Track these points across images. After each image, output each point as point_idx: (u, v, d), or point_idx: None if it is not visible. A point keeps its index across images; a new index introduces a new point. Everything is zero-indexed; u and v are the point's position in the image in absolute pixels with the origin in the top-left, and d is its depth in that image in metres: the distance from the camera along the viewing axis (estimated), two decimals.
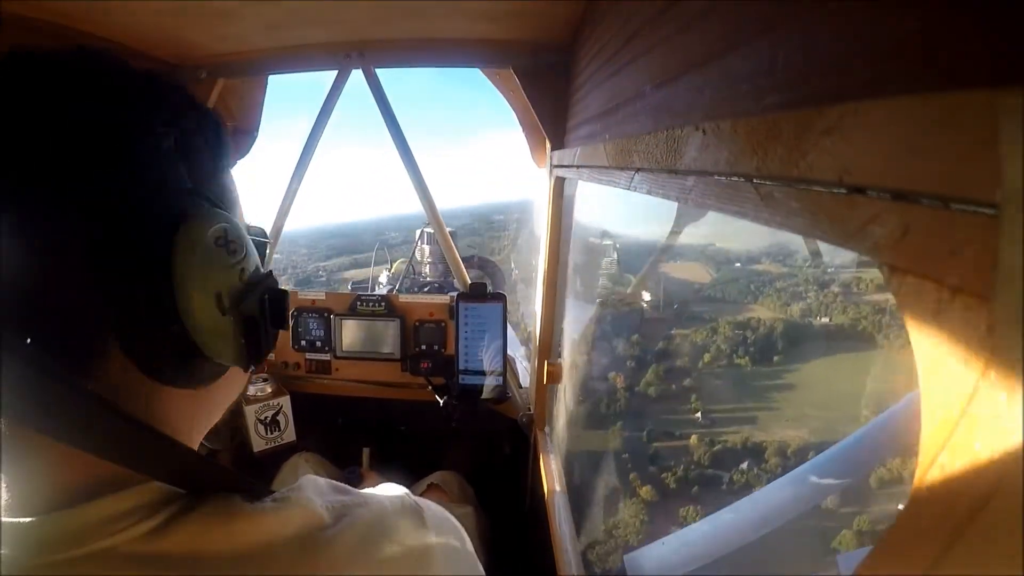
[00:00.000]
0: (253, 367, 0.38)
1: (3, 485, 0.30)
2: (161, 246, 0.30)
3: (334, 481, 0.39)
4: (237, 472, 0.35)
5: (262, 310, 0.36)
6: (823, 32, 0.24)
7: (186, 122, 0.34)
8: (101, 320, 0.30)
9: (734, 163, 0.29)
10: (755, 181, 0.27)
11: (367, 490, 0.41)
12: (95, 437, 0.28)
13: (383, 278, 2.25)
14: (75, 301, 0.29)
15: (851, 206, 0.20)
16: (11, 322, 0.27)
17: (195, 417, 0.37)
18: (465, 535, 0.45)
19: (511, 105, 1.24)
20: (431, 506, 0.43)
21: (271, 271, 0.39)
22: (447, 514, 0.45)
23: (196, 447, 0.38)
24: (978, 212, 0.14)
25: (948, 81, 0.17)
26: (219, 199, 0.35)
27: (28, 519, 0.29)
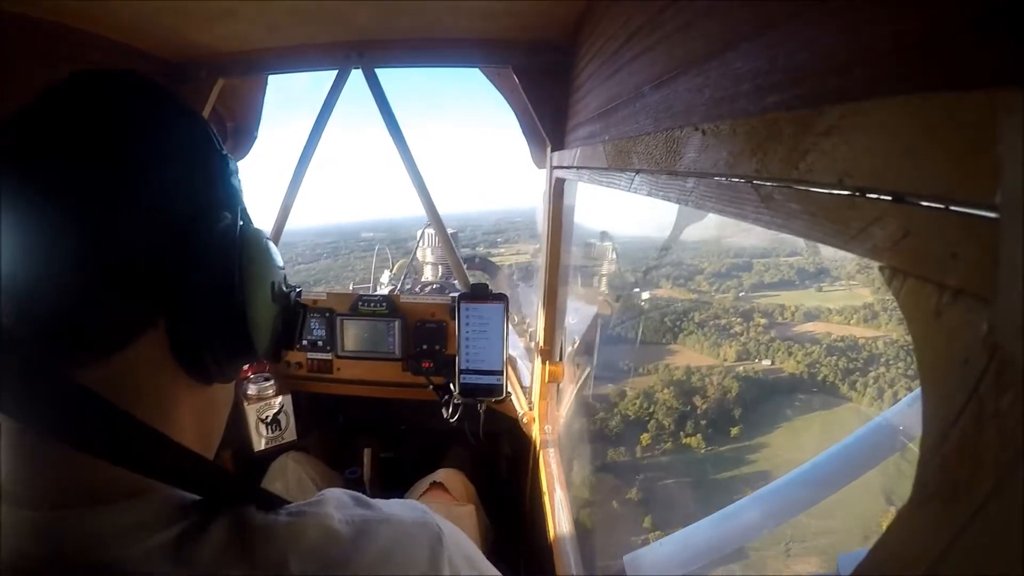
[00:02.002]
0: (272, 359, 0.43)
1: (12, 475, 0.30)
2: (233, 237, 0.35)
3: (358, 494, 0.40)
4: (251, 482, 0.35)
5: (297, 304, 0.44)
6: (823, 32, 0.24)
7: (211, 140, 0.39)
8: (155, 297, 0.32)
9: (734, 164, 0.29)
10: (755, 182, 0.27)
11: (387, 505, 0.41)
12: (110, 444, 0.29)
13: (384, 278, 2.25)
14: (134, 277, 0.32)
15: (851, 208, 0.20)
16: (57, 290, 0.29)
17: (200, 418, 0.38)
18: (477, 557, 0.45)
19: (511, 105, 1.24)
20: (451, 533, 0.42)
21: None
22: (465, 540, 0.44)
23: (212, 454, 0.40)
24: (978, 213, 0.14)
25: (948, 81, 0.17)
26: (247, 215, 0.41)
27: (41, 513, 0.29)
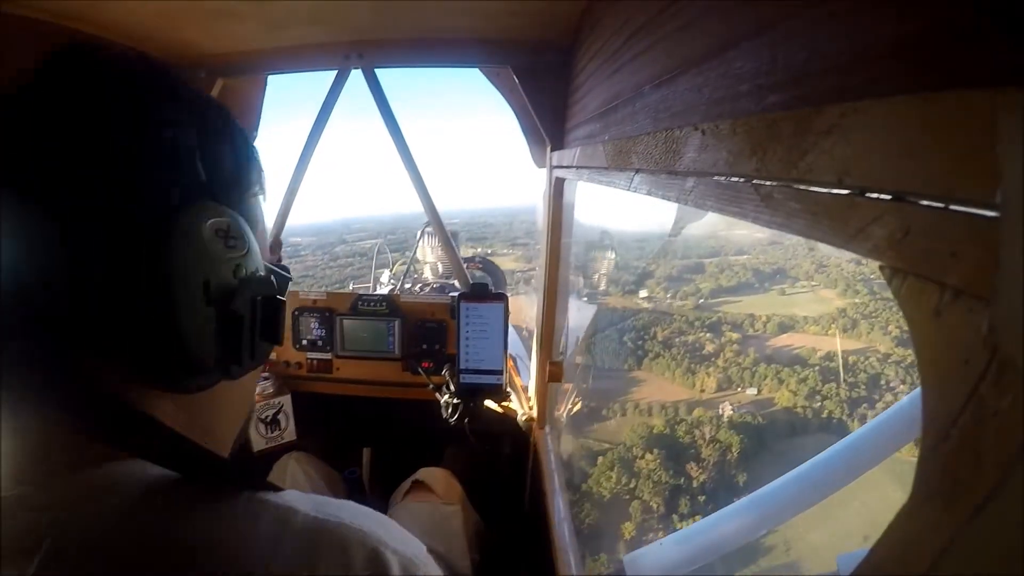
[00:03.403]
0: (236, 375, 0.36)
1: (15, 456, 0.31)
2: (156, 230, 0.31)
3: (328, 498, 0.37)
4: (227, 460, 0.35)
5: (252, 313, 0.35)
6: (823, 32, 0.24)
7: (210, 123, 0.35)
8: (95, 312, 0.31)
9: (734, 163, 0.29)
10: (755, 182, 0.27)
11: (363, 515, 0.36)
12: (86, 418, 0.30)
13: (384, 278, 2.25)
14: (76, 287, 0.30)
15: (851, 207, 0.20)
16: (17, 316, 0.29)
17: (194, 427, 0.36)
18: None
19: (510, 105, 1.24)
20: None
21: (271, 278, 0.38)
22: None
23: (226, 451, 0.39)
24: (978, 213, 0.14)
25: (948, 81, 0.17)
26: (236, 205, 0.36)
27: (31, 487, 0.29)
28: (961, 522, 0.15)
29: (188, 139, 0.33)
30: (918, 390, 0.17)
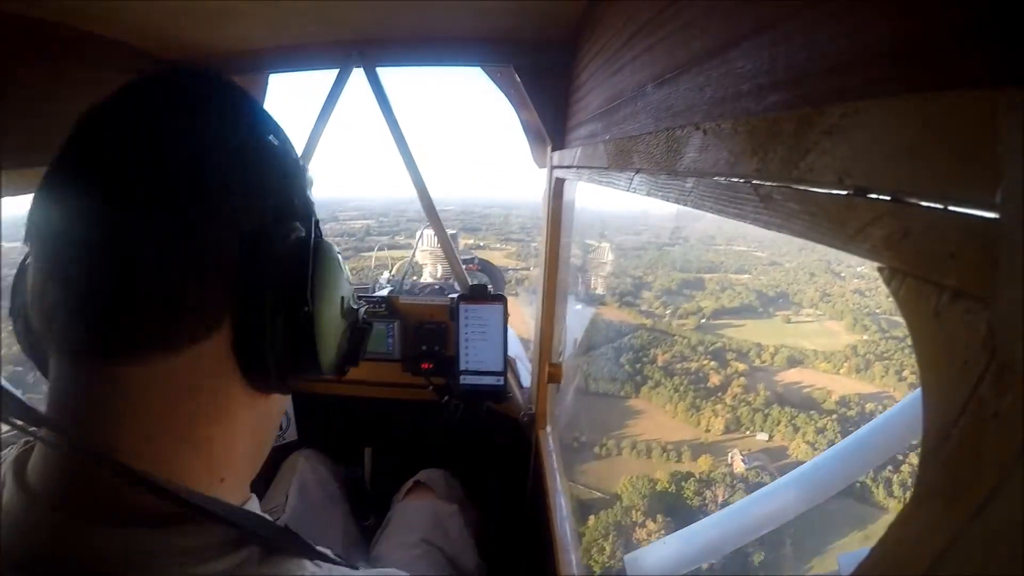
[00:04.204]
0: (343, 372, 0.41)
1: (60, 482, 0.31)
2: (306, 248, 0.35)
3: None
4: (299, 537, 0.35)
5: (366, 322, 0.43)
6: (823, 32, 0.24)
7: (291, 147, 0.39)
8: (223, 302, 0.33)
9: (734, 164, 0.29)
10: (754, 182, 0.27)
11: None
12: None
13: (383, 279, 2.26)
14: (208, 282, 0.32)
15: (851, 208, 0.20)
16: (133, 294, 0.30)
17: (254, 427, 0.38)
18: None
19: (512, 104, 1.24)
20: None
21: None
22: None
23: (260, 464, 0.40)
24: (978, 214, 0.14)
25: (948, 81, 0.17)
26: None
27: (102, 528, 0.30)
28: (961, 522, 0.15)
29: (289, 163, 0.37)
30: (918, 390, 0.17)
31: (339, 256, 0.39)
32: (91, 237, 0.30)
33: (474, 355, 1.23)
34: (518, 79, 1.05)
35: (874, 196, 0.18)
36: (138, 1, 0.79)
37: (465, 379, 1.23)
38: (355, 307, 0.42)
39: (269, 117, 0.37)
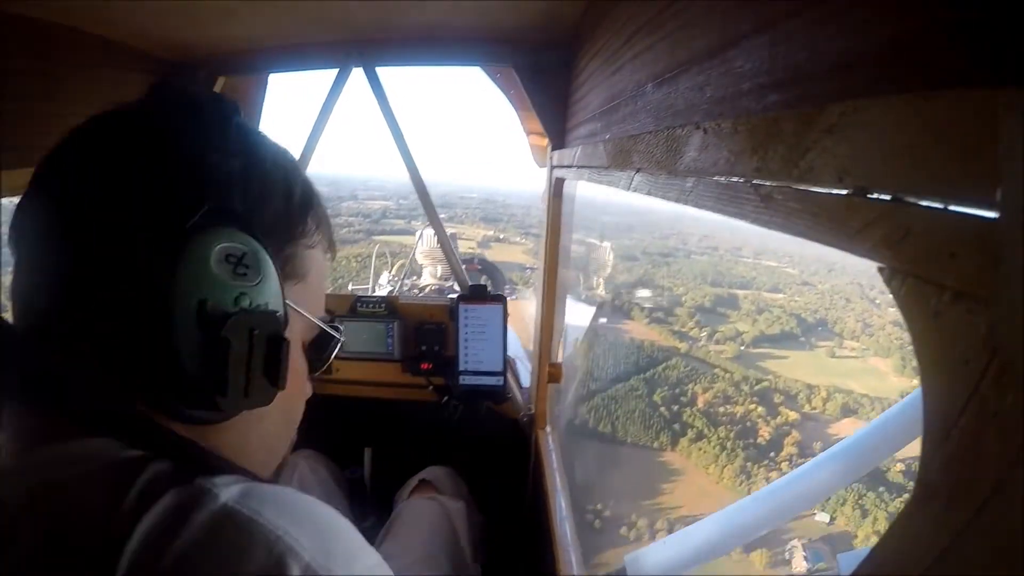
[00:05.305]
0: (225, 408, 0.34)
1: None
2: (169, 247, 0.31)
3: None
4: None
5: (249, 346, 0.33)
6: (823, 32, 0.24)
7: (262, 161, 0.38)
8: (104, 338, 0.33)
9: (734, 163, 0.29)
10: (755, 182, 0.27)
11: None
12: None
13: (383, 279, 2.25)
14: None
15: (851, 207, 0.20)
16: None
17: (225, 450, 0.36)
18: None
19: (512, 104, 1.24)
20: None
21: (277, 316, 0.35)
22: None
23: (277, 461, 0.41)
24: (978, 214, 0.14)
25: (948, 81, 0.17)
26: (281, 244, 0.38)
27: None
28: (962, 522, 0.15)
29: (228, 166, 0.35)
30: (918, 390, 0.17)
31: (219, 248, 0.32)
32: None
33: (474, 355, 1.23)
34: (518, 79, 1.05)
35: (874, 196, 0.18)
36: (138, 1, 0.79)
37: (465, 379, 1.23)
38: (225, 316, 0.32)
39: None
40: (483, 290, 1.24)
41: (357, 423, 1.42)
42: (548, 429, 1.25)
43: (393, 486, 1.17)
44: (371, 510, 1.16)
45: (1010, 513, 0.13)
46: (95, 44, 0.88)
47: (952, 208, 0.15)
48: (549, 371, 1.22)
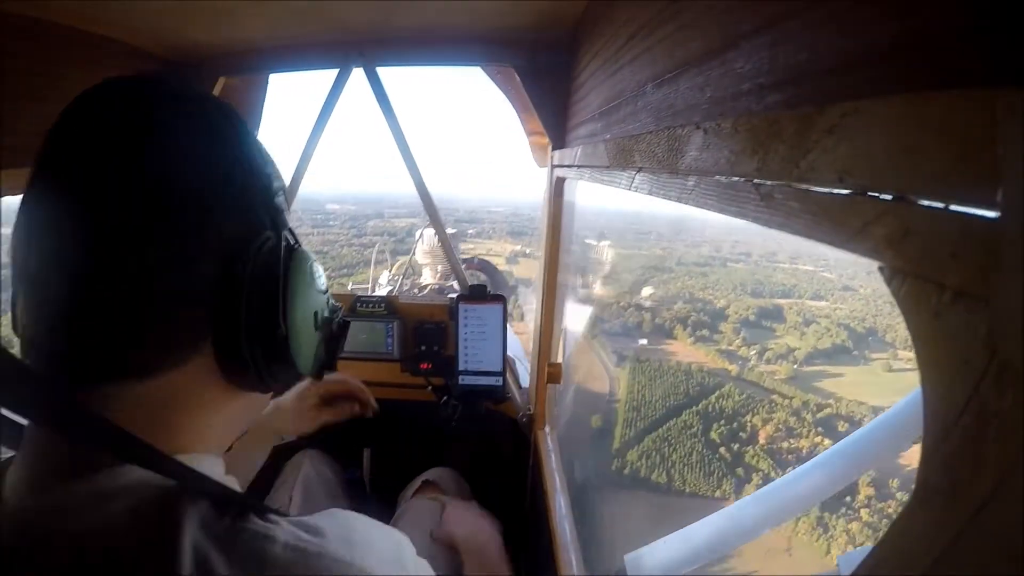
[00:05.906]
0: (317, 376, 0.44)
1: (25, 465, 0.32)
2: (277, 267, 0.36)
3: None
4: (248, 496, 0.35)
5: (340, 331, 0.45)
6: (823, 32, 0.24)
7: (273, 165, 0.40)
8: (205, 323, 0.34)
9: (735, 162, 0.29)
10: (755, 181, 0.27)
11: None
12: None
13: (383, 279, 2.25)
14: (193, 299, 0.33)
15: (851, 207, 0.20)
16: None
17: (232, 418, 0.40)
18: None
19: (512, 104, 1.24)
20: None
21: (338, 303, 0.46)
22: None
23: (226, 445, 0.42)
24: (978, 213, 0.14)
25: (948, 81, 0.17)
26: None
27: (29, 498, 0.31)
28: (962, 522, 0.15)
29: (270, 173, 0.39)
30: (918, 390, 0.17)
31: (312, 266, 0.40)
32: (63, 267, 0.30)
33: (473, 355, 1.23)
34: (518, 79, 1.05)
35: (875, 195, 0.18)
36: (138, 1, 0.79)
37: (464, 379, 1.23)
38: (329, 316, 0.43)
39: (233, 120, 0.37)
40: (483, 290, 1.24)
41: (356, 423, 1.42)
42: (547, 429, 1.25)
43: (392, 486, 1.17)
44: (370, 510, 1.16)
45: (1010, 513, 0.13)
46: (95, 44, 0.88)
47: (952, 208, 0.15)
48: (549, 371, 1.21)
